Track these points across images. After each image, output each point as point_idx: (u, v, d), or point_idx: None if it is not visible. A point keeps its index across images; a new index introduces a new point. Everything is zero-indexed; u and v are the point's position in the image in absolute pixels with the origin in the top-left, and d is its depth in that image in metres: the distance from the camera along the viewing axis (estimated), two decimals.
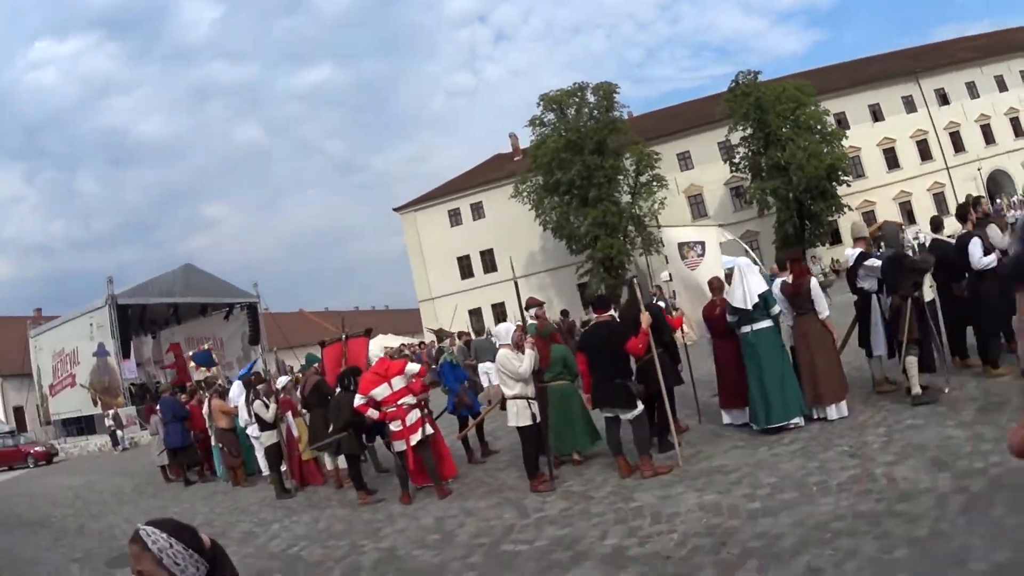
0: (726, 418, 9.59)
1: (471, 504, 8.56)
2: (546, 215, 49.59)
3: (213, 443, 15.09)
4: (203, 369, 21.89)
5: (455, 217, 61.05)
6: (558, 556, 6.19)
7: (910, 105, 53.31)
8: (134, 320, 35.06)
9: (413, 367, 9.86)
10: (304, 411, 12.39)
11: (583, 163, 47.38)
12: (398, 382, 9.34)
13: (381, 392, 9.22)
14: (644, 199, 49.28)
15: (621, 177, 49.46)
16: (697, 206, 55.77)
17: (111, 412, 29.52)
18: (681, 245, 9.28)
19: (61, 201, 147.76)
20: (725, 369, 9.37)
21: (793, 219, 46.97)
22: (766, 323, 8.37)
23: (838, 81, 53.74)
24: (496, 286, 56.34)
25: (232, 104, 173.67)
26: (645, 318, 8.10)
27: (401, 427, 9.11)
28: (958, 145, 52.76)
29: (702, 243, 9.47)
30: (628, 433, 8.18)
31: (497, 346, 8.83)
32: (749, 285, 8.39)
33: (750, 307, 8.31)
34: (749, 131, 47.44)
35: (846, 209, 47.29)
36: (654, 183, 49.40)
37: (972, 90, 52.76)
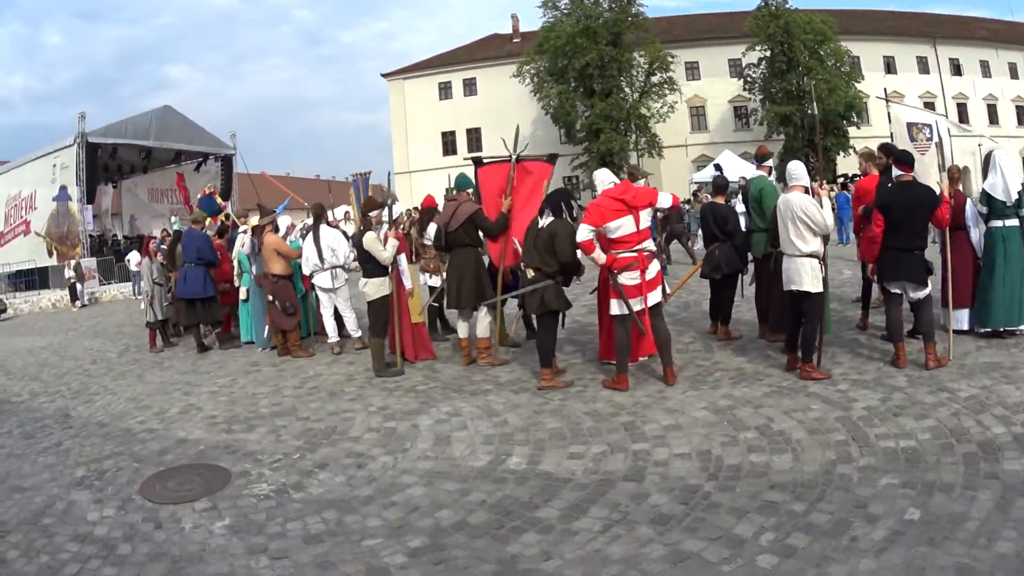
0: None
1: (733, 392, 6.16)
2: (550, 99, 44.71)
3: (242, 298, 10.43)
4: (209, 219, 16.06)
5: (445, 91, 54.86)
6: (966, 448, 4.52)
7: (923, 66, 51.55)
8: (100, 165, 29.29)
9: (666, 197, 6.69)
10: (426, 252, 7.85)
11: (598, 52, 42.51)
12: (646, 217, 6.49)
13: (623, 227, 6.32)
14: (654, 100, 44.88)
15: (634, 74, 44.90)
16: (698, 118, 51.76)
17: (72, 262, 24.05)
18: (910, 125, 7.59)
19: (24, 54, 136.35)
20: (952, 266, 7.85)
21: (804, 148, 43.27)
22: (1015, 221, 7.33)
23: (855, 25, 50.50)
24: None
25: None
26: (946, 184, 7.15)
27: (639, 280, 6.30)
28: (963, 117, 50.80)
29: (930, 125, 7.70)
30: None
31: (788, 188, 6.60)
32: (1010, 176, 7.33)
33: (1012, 200, 7.26)
34: (768, 53, 44.38)
35: (851, 150, 44.31)
36: (665, 86, 45.03)
37: (985, 69, 51.82)
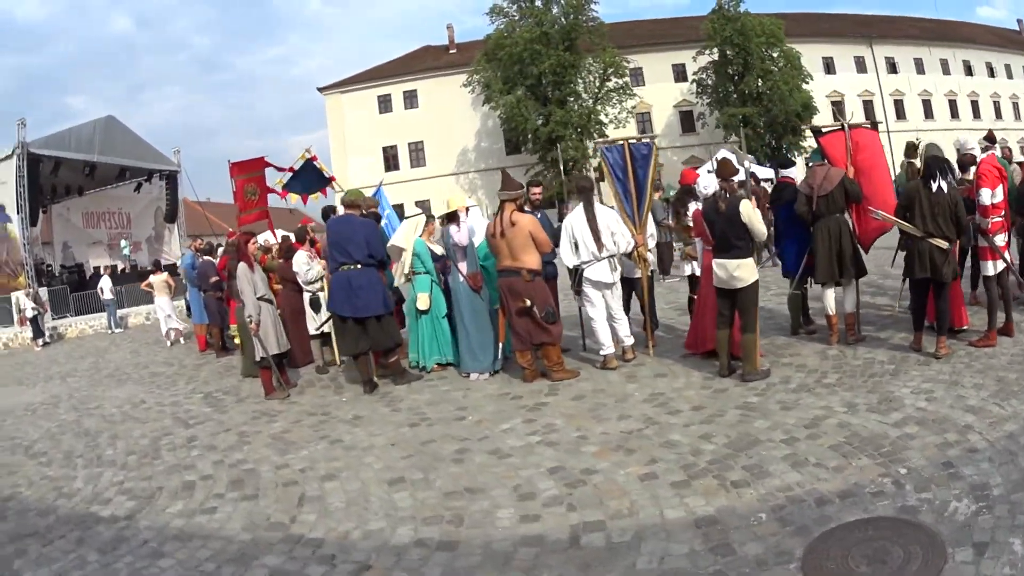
0: None
1: None
2: (508, 107, 43.10)
3: (422, 307, 8.09)
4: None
5: (385, 104, 52.80)
6: None
7: (861, 66, 53.83)
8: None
9: None
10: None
11: (557, 58, 41.54)
12: None
13: (998, 193, 6.57)
14: (612, 106, 44.21)
15: (590, 79, 44.39)
16: (644, 124, 51.32)
17: (29, 292, 20.06)
18: None
19: None
20: None
21: (764, 148, 44.23)
22: None
23: (795, 28, 51.55)
24: (423, 182, 49.57)
25: None
26: None
27: (1006, 241, 6.76)
28: (900, 113, 54.30)
29: None
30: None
31: None
32: None
33: None
34: (717, 56, 45.51)
35: (806, 148, 45.42)
36: (623, 91, 44.70)
37: (919, 66, 54.60)
